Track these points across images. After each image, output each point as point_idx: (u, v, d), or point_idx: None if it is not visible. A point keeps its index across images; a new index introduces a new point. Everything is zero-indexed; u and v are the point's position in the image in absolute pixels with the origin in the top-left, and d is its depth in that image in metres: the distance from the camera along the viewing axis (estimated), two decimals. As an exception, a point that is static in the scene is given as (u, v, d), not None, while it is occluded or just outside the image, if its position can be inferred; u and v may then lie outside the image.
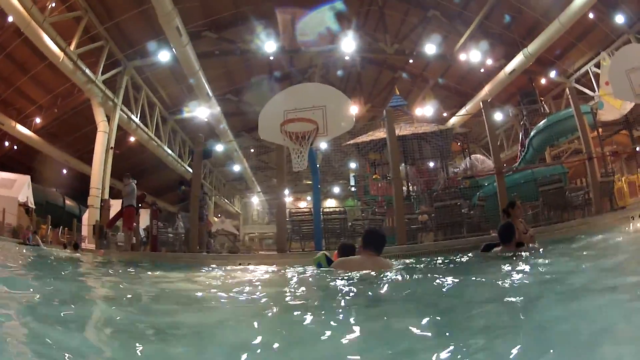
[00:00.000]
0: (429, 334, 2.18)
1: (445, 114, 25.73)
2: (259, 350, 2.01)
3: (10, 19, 16.51)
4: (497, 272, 4.69)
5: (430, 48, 23.18)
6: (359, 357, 1.95)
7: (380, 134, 16.16)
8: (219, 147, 27.42)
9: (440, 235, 11.74)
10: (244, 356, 1.87)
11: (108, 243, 14.92)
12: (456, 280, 4.32)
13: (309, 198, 24.92)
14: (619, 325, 2.00)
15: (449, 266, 6.09)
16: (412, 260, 6.84)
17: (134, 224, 13.77)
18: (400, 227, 10.26)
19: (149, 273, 7.49)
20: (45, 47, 17.12)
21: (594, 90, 21.83)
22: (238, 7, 21.51)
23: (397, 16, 23.55)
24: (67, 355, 1.82)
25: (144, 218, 16.00)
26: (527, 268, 4.68)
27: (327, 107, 10.65)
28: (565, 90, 20.14)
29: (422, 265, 6.33)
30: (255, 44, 22.26)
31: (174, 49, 19.05)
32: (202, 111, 24.34)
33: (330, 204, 28.54)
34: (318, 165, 11.85)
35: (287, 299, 3.96)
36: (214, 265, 8.80)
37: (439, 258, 6.86)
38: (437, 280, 4.38)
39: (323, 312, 3.08)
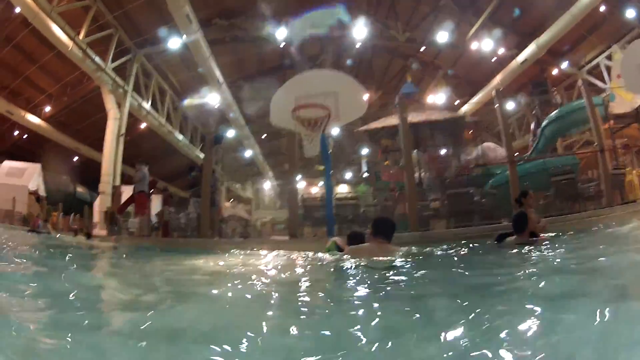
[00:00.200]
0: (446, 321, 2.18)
1: (457, 102, 25.64)
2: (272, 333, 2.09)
3: (17, 9, 16.44)
4: (511, 261, 4.73)
5: (441, 36, 23.00)
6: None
7: (392, 120, 16.13)
8: (231, 133, 27.43)
9: (452, 223, 11.76)
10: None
11: (119, 229, 15.02)
12: (470, 269, 4.38)
13: (320, 184, 24.87)
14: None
15: (461, 255, 6.11)
16: (424, 248, 6.85)
17: (146, 210, 13.83)
18: (412, 214, 10.30)
19: (159, 259, 7.54)
20: (54, 37, 17.13)
21: (605, 83, 21.66)
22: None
23: (409, 4, 23.37)
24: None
25: (155, 204, 16.10)
26: (540, 258, 4.71)
27: (339, 93, 10.67)
28: (577, 82, 20.00)
29: (436, 253, 6.37)
30: (266, 31, 22.17)
31: (184, 36, 19.00)
32: (213, 97, 24.32)
33: (342, 189, 28.47)
34: (330, 151, 11.88)
35: (299, 284, 4.03)
36: (226, 251, 8.86)
37: (451, 246, 6.87)
38: (452, 269, 4.43)
39: (336, 299, 3.14)
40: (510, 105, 23.55)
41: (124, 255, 8.81)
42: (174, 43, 20.49)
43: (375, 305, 2.74)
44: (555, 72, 24.38)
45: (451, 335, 1.86)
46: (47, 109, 24.66)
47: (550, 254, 5.07)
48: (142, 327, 2.13)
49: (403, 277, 3.93)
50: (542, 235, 6.10)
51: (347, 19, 21.81)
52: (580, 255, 4.83)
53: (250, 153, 32.39)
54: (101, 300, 3.26)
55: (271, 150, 33.94)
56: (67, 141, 26.94)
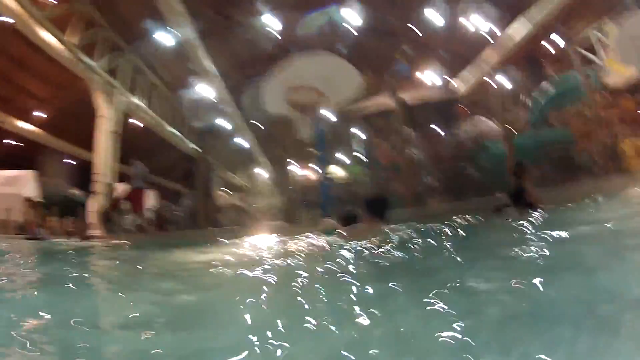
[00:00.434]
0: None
1: (449, 80, 25.55)
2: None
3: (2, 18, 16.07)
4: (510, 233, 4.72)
5: (433, 15, 22.83)
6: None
7: (386, 100, 16.08)
8: (224, 122, 27.30)
9: (447, 199, 11.76)
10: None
11: (115, 227, 14.92)
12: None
13: (315, 167, 24.88)
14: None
15: (456, 230, 6.12)
16: (419, 224, 6.84)
17: (143, 206, 13.73)
18: (407, 191, 10.30)
19: (157, 255, 7.52)
20: (41, 40, 16.83)
21: (597, 56, 21.58)
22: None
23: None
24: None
25: (150, 199, 15.99)
26: (537, 229, 4.70)
27: (332, 76, 10.61)
28: (570, 55, 19.91)
29: (431, 230, 6.37)
30: (258, 19, 21.96)
31: (173, 30, 18.75)
32: (205, 89, 24.14)
33: (336, 171, 28.51)
34: (324, 134, 11.83)
35: (296, 269, 4.00)
36: (221, 240, 8.82)
37: (447, 222, 6.86)
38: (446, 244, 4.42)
39: (331, 280, 3.13)
40: (502, 81, 23.49)
41: (122, 253, 8.77)
42: (164, 37, 20.25)
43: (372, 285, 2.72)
44: (547, 46, 24.29)
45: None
46: (39, 114, 24.40)
47: (542, 224, 5.04)
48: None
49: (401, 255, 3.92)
50: (539, 205, 6.11)
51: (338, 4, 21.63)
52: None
53: (244, 140, 32.30)
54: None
55: (265, 136, 33.84)
56: (60, 144, 26.71)
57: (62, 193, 27.73)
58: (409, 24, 24.81)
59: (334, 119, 18.72)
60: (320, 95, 10.43)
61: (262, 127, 32.25)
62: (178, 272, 4.70)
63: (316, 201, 11.69)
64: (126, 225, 15.58)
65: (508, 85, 25.53)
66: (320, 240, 5.76)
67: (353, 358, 1.62)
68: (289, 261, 4.74)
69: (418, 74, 24.30)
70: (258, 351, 1.73)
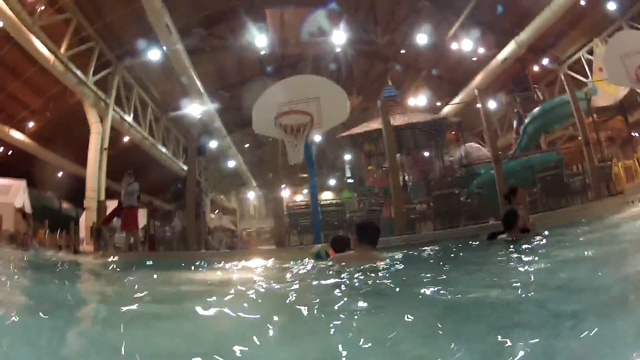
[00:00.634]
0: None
1: (438, 103, 25.69)
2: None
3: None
4: (504, 260, 4.65)
5: (421, 38, 23.03)
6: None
7: (374, 124, 16.06)
8: (213, 144, 27.26)
9: (438, 225, 11.68)
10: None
11: (106, 244, 14.75)
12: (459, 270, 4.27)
13: (305, 191, 24.84)
14: None
15: (449, 256, 6.06)
16: (411, 251, 6.78)
17: (137, 225, 13.50)
18: (398, 217, 10.21)
19: (146, 274, 7.38)
20: (35, 51, 16.75)
21: (587, 77, 21.76)
22: (228, 2, 21.34)
23: (387, 7, 23.39)
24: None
25: (141, 218, 15.83)
26: (532, 255, 4.64)
27: (321, 99, 10.55)
28: (559, 77, 20.07)
29: (423, 256, 6.29)
30: (246, 39, 22.10)
31: (164, 47, 18.81)
32: (195, 108, 24.12)
33: (327, 196, 28.47)
34: (314, 158, 11.75)
35: (287, 293, 3.89)
36: (212, 263, 8.69)
37: (438, 247, 6.82)
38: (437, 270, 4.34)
39: (323, 306, 3.02)
40: (492, 105, 23.64)
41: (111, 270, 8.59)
42: (154, 54, 20.31)
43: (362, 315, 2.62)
44: (536, 68, 24.54)
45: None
46: (31, 124, 24.22)
47: (537, 250, 5.05)
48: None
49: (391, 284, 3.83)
50: (533, 231, 6.04)
51: (327, 24, 21.78)
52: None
53: (234, 163, 32.28)
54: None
55: (255, 159, 33.86)
56: (51, 157, 26.48)
57: (52, 206, 27.47)
58: (399, 48, 25.08)
59: (323, 143, 18.72)
60: (309, 117, 10.33)
61: (252, 150, 32.36)
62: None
63: (307, 226, 11.56)
64: (117, 242, 15.40)
65: (498, 108, 25.76)
66: (311, 266, 5.67)
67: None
68: (276, 286, 4.64)
69: (408, 98, 24.46)
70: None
